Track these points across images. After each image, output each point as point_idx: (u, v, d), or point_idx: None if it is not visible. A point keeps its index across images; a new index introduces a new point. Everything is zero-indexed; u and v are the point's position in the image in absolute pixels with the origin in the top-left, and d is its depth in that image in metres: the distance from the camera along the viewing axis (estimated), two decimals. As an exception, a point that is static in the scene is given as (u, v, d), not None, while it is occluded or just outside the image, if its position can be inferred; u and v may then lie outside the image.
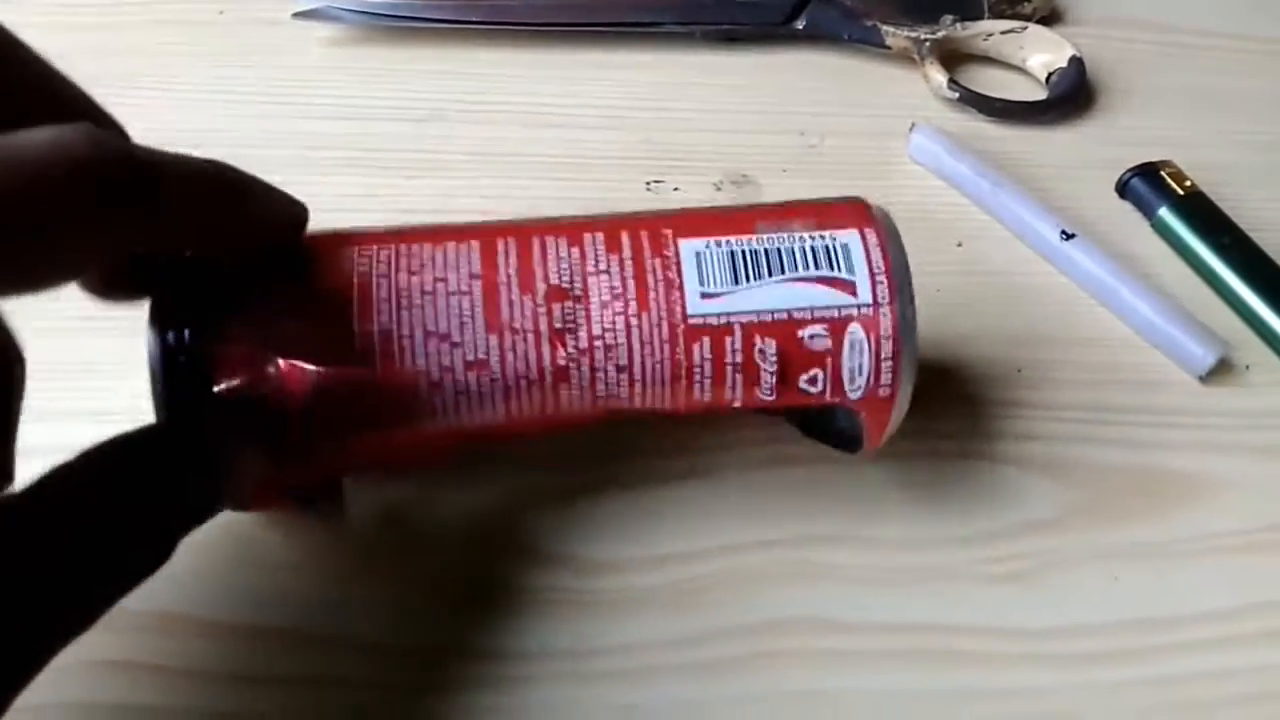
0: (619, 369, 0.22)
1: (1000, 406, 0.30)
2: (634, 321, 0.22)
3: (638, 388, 0.23)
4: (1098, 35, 0.42)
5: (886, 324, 0.23)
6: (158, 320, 0.21)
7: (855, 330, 0.22)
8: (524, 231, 0.23)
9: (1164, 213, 0.35)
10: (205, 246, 0.20)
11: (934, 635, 0.25)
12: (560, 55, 0.38)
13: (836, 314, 0.22)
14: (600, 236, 0.22)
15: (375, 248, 0.22)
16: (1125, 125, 0.39)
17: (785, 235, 0.23)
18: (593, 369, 0.22)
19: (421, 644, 0.24)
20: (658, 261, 0.22)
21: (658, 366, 0.22)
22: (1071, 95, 0.39)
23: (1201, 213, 0.35)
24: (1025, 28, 0.40)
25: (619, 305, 0.22)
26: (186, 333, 0.20)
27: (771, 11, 0.40)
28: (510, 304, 0.22)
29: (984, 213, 0.35)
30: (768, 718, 0.24)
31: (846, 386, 0.23)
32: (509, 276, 0.22)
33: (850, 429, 0.25)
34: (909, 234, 0.33)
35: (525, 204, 0.33)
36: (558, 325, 0.22)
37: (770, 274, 0.22)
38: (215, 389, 0.21)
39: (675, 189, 0.34)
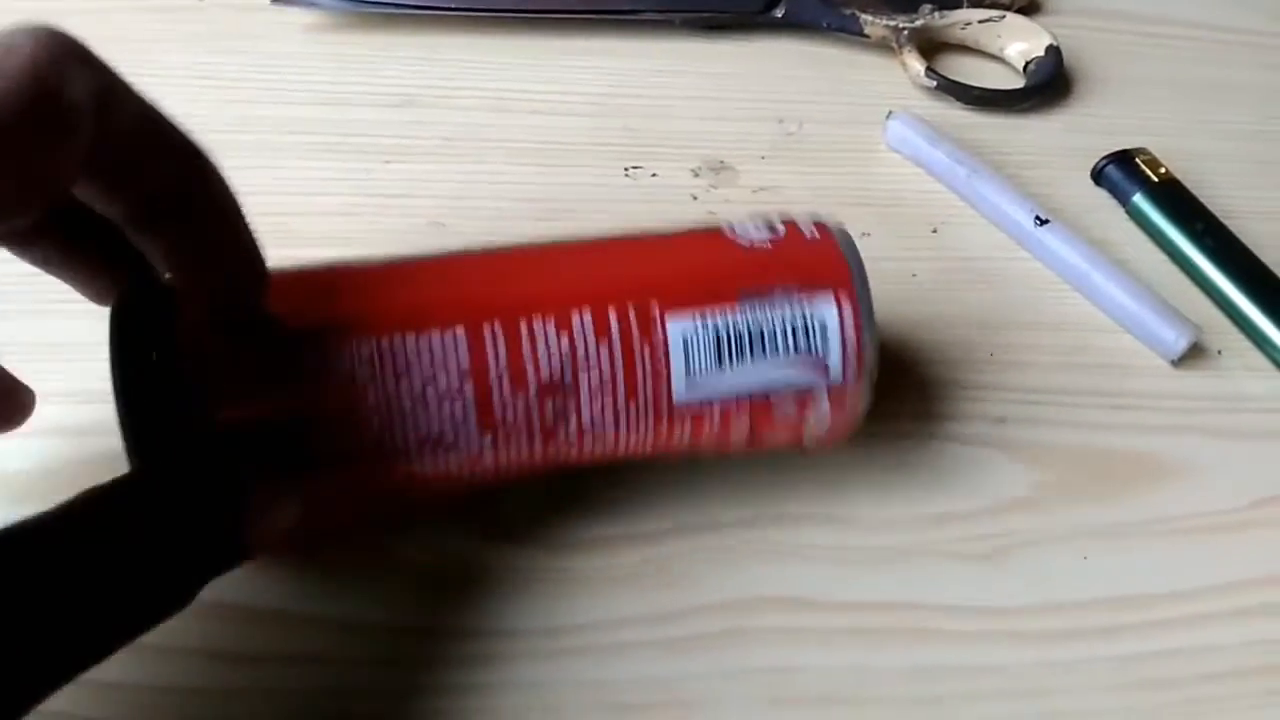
0: (604, 447, 0.23)
1: (973, 389, 0.30)
2: (622, 411, 0.23)
3: (618, 455, 0.24)
4: (1075, 25, 0.42)
5: (852, 395, 0.24)
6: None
7: (822, 402, 0.24)
8: (510, 310, 0.22)
9: (1138, 199, 0.35)
10: (142, 206, 0.19)
11: (905, 613, 0.26)
12: (539, 42, 0.38)
13: (809, 390, 0.23)
14: (589, 319, 0.22)
15: (355, 344, 0.21)
16: (1101, 114, 0.39)
17: (767, 308, 0.23)
18: (580, 450, 0.23)
19: (398, 623, 0.24)
20: (646, 350, 0.22)
21: (640, 443, 0.23)
22: (1048, 84, 0.39)
23: (1176, 200, 0.35)
24: (1003, 17, 0.40)
25: (608, 396, 0.22)
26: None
27: (751, 0, 0.40)
28: (503, 404, 0.22)
29: (959, 199, 0.35)
30: (739, 694, 0.24)
31: (805, 439, 0.25)
32: (500, 375, 0.22)
33: None
34: (885, 222, 0.34)
35: (498, 189, 0.33)
36: (549, 420, 0.22)
37: (752, 358, 0.23)
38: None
39: (653, 175, 0.35)
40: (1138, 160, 0.36)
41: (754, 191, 0.35)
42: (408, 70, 0.37)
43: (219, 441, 0.21)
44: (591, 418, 0.23)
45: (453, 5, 0.38)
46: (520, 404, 0.22)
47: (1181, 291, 0.34)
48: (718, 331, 0.23)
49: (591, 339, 0.22)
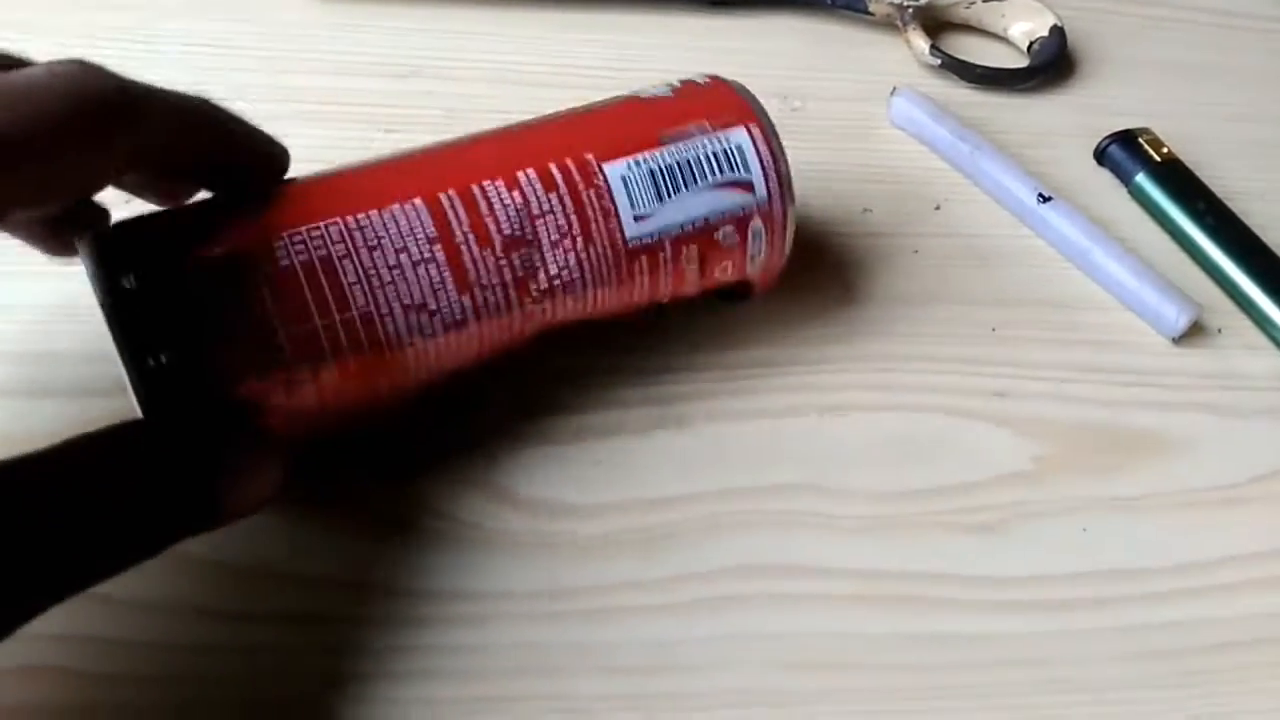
0: (576, 299, 0.25)
1: (974, 364, 0.30)
2: (583, 255, 0.25)
3: (590, 307, 0.26)
4: (1079, 6, 0.42)
5: (778, 213, 0.27)
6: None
7: (756, 221, 0.27)
8: (461, 179, 0.24)
9: (1141, 179, 0.35)
10: (186, 172, 0.22)
11: (903, 581, 0.26)
12: (547, 16, 0.38)
13: (743, 212, 0.26)
14: (534, 175, 0.24)
15: (323, 225, 0.22)
16: (1104, 94, 0.39)
17: (687, 143, 0.26)
18: (554, 303, 0.25)
19: (396, 583, 0.24)
20: (591, 193, 0.25)
21: (607, 288, 0.25)
22: (1052, 64, 0.39)
23: (1178, 179, 0.35)
24: (1007, -4, 0.40)
25: (567, 242, 0.24)
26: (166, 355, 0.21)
27: (754, -21, 0.40)
28: (474, 262, 0.24)
29: (963, 176, 0.35)
30: (735, 658, 0.24)
31: (748, 268, 0.27)
32: (465, 235, 0.23)
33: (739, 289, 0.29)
34: (889, 198, 0.34)
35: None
36: (519, 271, 0.24)
37: (685, 187, 0.25)
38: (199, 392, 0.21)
39: (656, 148, 0.34)
40: (1140, 140, 0.36)
41: (756, 166, 0.34)
42: (411, 42, 0.37)
43: (209, 394, 0.21)
44: (558, 267, 0.24)
45: (456, -22, 0.38)
46: (489, 260, 0.24)
47: (1183, 270, 0.34)
48: (650, 169, 0.25)
49: (541, 192, 0.24)
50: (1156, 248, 0.35)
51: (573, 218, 0.24)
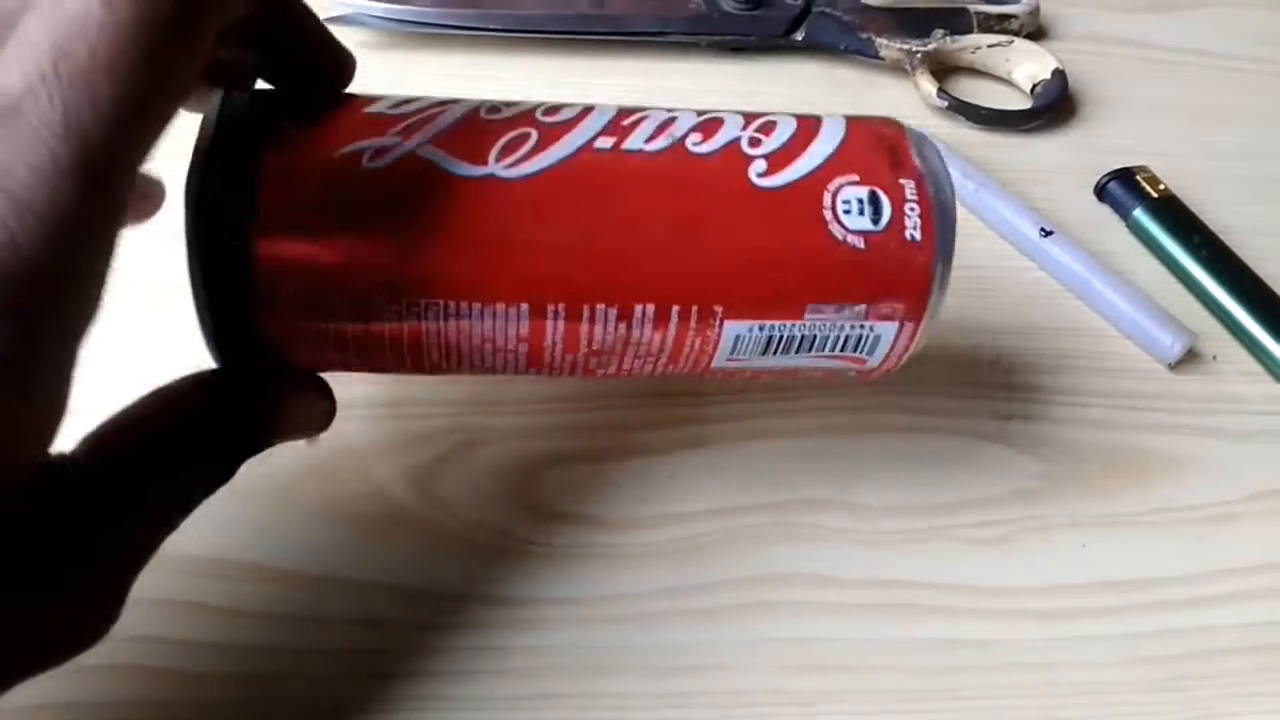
0: (636, 382, 0.25)
1: (982, 389, 0.32)
2: (660, 368, 0.24)
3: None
4: (1080, 50, 0.45)
5: (880, 375, 0.25)
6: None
7: (851, 374, 0.25)
8: (574, 298, 0.22)
9: (1139, 214, 0.37)
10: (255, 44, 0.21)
11: (916, 591, 0.28)
12: (573, 62, 0.41)
13: (840, 372, 0.24)
14: (651, 312, 0.22)
15: (423, 303, 0.21)
16: (1104, 134, 0.42)
17: (828, 323, 0.23)
18: (613, 381, 0.25)
19: (452, 590, 0.26)
20: (698, 341, 0.23)
21: (671, 381, 0.25)
22: (1054, 105, 0.41)
23: (1174, 214, 0.38)
24: (1011, 41, 0.43)
25: (650, 360, 0.23)
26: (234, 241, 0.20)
27: (774, 24, 0.42)
28: (552, 358, 0.23)
29: (969, 212, 0.37)
30: (765, 659, 0.26)
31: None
32: (555, 343, 0.22)
33: None
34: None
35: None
36: (591, 367, 0.23)
37: (797, 352, 0.23)
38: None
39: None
40: (1138, 178, 0.38)
41: (776, 203, 0.37)
42: (445, 85, 0.38)
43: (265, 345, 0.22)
44: (631, 371, 0.24)
45: (490, 26, 0.40)
46: (568, 359, 0.23)
47: (1179, 301, 0.36)
48: (771, 334, 0.23)
49: (650, 328, 0.22)
50: (1154, 279, 0.37)
51: (667, 351, 0.23)
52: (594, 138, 0.22)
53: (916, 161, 0.23)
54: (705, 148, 0.23)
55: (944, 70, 0.43)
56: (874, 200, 0.22)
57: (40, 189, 0.15)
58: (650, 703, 0.25)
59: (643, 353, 0.23)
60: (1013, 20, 0.44)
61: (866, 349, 0.23)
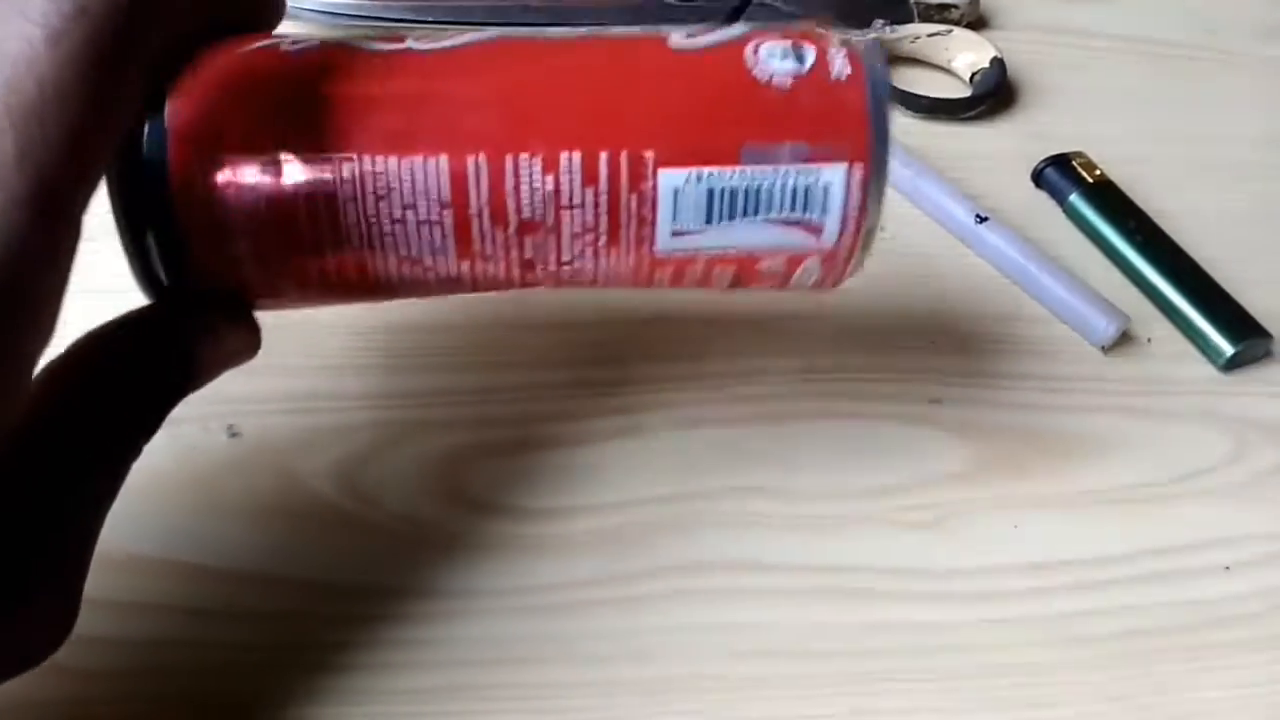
0: (580, 281, 0.23)
1: (915, 373, 0.32)
2: (602, 254, 0.22)
3: (597, 286, 0.24)
4: (1021, 39, 0.45)
5: (844, 255, 0.23)
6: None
7: (811, 262, 0.23)
8: (496, 142, 0.21)
9: (1074, 199, 0.38)
10: None
11: (847, 575, 0.28)
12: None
13: (798, 251, 0.23)
14: (577, 160, 0.21)
15: (337, 158, 0.21)
16: (1041, 121, 0.42)
17: (768, 170, 0.21)
18: (555, 282, 0.23)
19: (373, 583, 0.26)
20: (634, 198, 0.21)
21: (617, 281, 0.23)
22: (993, 93, 0.41)
23: (1109, 199, 0.38)
24: (951, 31, 0.43)
25: (589, 238, 0.22)
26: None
27: (713, 15, 0.42)
28: (482, 235, 0.22)
29: (907, 200, 0.38)
30: (691, 647, 0.26)
31: (790, 287, 0.24)
32: (481, 209, 0.21)
33: None
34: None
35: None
36: (528, 255, 0.22)
37: (744, 215, 0.22)
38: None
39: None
40: (1074, 163, 0.39)
41: (713, 192, 0.37)
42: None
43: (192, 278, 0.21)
44: (570, 257, 0.22)
45: (431, 19, 0.40)
46: (499, 238, 0.22)
47: (1115, 285, 0.36)
48: (711, 188, 0.21)
49: (578, 183, 0.21)
50: (1090, 264, 0.37)
51: (603, 219, 0.22)
52: (516, 33, 0.23)
53: (841, 36, 0.23)
54: (626, 33, 0.23)
55: (884, 60, 0.43)
56: (797, 48, 0.22)
57: (3, 218, 0.16)
58: (576, 692, 0.25)
59: (579, 226, 0.22)
60: (953, 10, 0.44)
61: (818, 205, 0.22)
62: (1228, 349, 0.34)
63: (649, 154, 0.21)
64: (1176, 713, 0.26)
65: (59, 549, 0.19)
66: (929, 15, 0.44)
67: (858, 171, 0.22)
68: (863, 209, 0.22)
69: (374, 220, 0.21)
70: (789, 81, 0.21)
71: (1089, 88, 0.44)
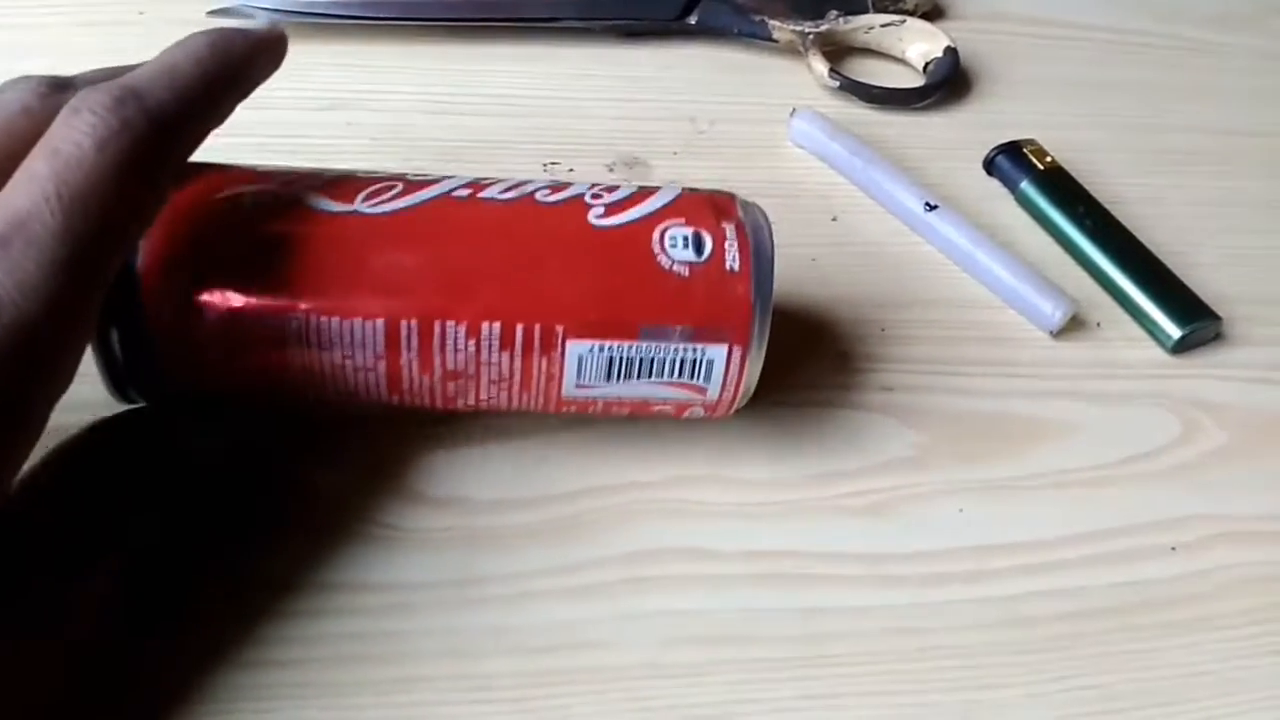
0: (497, 410, 0.27)
1: (864, 361, 0.33)
2: (515, 396, 0.26)
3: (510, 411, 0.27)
4: (973, 28, 0.45)
5: (724, 405, 0.27)
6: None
7: (696, 409, 0.27)
8: (427, 308, 0.24)
9: (1025, 186, 0.38)
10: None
11: (793, 560, 0.28)
12: (464, 48, 0.41)
13: (685, 402, 0.27)
14: (497, 330, 0.24)
15: (286, 317, 0.24)
16: (995, 110, 0.42)
17: (662, 346, 0.25)
18: (476, 409, 0.27)
19: (320, 578, 0.26)
20: (544, 360, 0.25)
21: (530, 410, 0.27)
22: (946, 82, 0.42)
23: (1060, 186, 0.38)
24: (904, 21, 0.43)
25: (504, 384, 0.25)
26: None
27: (666, 8, 0.42)
28: (410, 379, 0.25)
29: (858, 189, 0.38)
30: (638, 634, 0.26)
31: (682, 419, 0.28)
32: (410, 360, 0.25)
33: None
34: (789, 211, 0.37)
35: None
36: (450, 393, 0.26)
37: (639, 377, 0.26)
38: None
39: (570, 170, 0.37)
40: (1025, 151, 0.39)
41: (666, 185, 0.37)
42: (337, 76, 0.39)
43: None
44: (488, 396, 0.26)
45: (381, 15, 0.40)
46: (425, 381, 0.25)
47: (1065, 270, 0.37)
48: (612, 356, 0.25)
49: (496, 346, 0.25)
50: (1042, 250, 0.37)
51: (517, 373, 0.25)
52: (453, 190, 0.26)
53: (740, 215, 0.26)
54: (552, 199, 0.26)
55: (838, 51, 0.43)
56: (697, 238, 0.25)
57: (45, 281, 0.19)
58: (522, 682, 0.25)
59: (495, 376, 0.25)
60: (907, 0, 0.44)
61: (702, 375, 0.26)
62: (1176, 332, 0.34)
63: (559, 327, 0.25)
64: (1124, 691, 0.27)
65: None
66: (883, 5, 0.44)
67: (737, 351, 0.25)
68: (740, 375, 0.26)
69: (317, 360, 0.24)
70: (687, 270, 0.25)
71: (1042, 75, 0.44)
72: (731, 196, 0.27)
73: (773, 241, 0.26)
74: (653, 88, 0.41)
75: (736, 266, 0.25)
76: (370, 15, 0.40)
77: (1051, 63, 0.45)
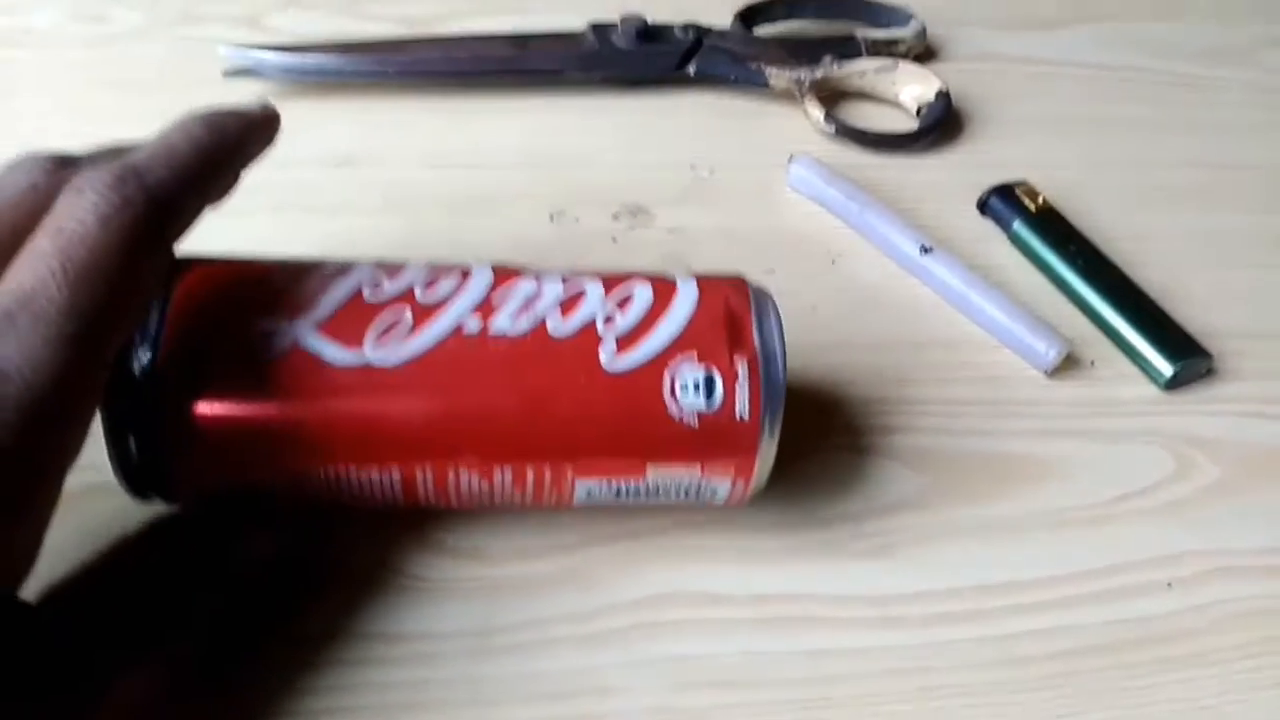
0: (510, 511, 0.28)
1: (866, 403, 0.33)
2: (528, 508, 0.28)
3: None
4: (967, 69, 0.46)
5: (732, 506, 0.28)
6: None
7: (700, 510, 0.29)
8: (442, 459, 0.25)
9: (1018, 226, 0.39)
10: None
11: (798, 603, 0.29)
12: (470, 103, 0.42)
13: (692, 508, 0.28)
14: (509, 474, 0.25)
15: (307, 469, 0.25)
16: (988, 150, 0.43)
17: (668, 480, 0.26)
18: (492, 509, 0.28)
19: (341, 628, 0.27)
20: (554, 493, 0.26)
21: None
22: (938, 125, 0.43)
23: (1051, 226, 0.39)
24: (896, 65, 0.44)
25: (515, 505, 0.27)
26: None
27: (666, 58, 0.43)
28: (426, 499, 0.26)
29: (855, 233, 0.39)
30: (650, 679, 0.27)
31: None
32: (426, 492, 0.26)
33: None
34: (788, 256, 0.38)
35: (435, 238, 0.37)
36: (465, 505, 0.27)
37: (645, 498, 0.27)
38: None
39: (576, 219, 0.38)
40: (1017, 191, 0.40)
41: (668, 232, 0.38)
42: (348, 132, 0.40)
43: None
44: (499, 506, 0.27)
45: (390, 72, 0.41)
46: (440, 500, 0.27)
47: (1059, 309, 0.37)
48: (619, 489, 0.26)
49: (509, 484, 0.26)
50: (1036, 289, 0.38)
51: (528, 499, 0.26)
52: (463, 320, 0.25)
53: (755, 339, 0.26)
54: (564, 328, 0.26)
55: (833, 95, 0.44)
56: (709, 381, 0.25)
57: (52, 355, 0.20)
58: (537, 728, 0.26)
59: (506, 499, 0.26)
60: (899, 44, 0.46)
61: (706, 498, 0.27)
62: (1168, 369, 0.35)
63: (569, 469, 0.26)
64: (1121, 728, 0.28)
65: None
66: (876, 50, 0.45)
67: (740, 482, 0.27)
68: (746, 491, 0.27)
69: (336, 491, 0.26)
70: (696, 420, 0.25)
71: (1034, 114, 0.45)
72: (746, 294, 0.27)
73: (784, 363, 0.26)
74: (654, 136, 0.42)
75: (747, 414, 0.25)
76: (380, 73, 0.41)
77: (1042, 101, 0.46)
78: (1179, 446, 0.34)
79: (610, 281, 0.27)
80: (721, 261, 0.37)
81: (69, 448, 0.21)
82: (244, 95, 0.41)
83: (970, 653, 0.28)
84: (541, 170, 0.40)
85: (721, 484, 0.26)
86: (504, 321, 0.25)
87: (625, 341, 0.25)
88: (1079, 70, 0.48)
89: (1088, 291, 0.37)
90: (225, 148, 0.25)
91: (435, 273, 0.26)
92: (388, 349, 0.25)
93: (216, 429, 0.24)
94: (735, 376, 0.25)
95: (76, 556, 0.23)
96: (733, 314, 0.26)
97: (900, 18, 0.47)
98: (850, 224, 0.39)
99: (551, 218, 0.38)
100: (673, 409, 0.25)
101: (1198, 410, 0.35)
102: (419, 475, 0.25)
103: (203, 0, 0.46)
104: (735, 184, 0.40)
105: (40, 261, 0.20)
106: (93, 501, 0.25)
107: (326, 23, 0.45)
